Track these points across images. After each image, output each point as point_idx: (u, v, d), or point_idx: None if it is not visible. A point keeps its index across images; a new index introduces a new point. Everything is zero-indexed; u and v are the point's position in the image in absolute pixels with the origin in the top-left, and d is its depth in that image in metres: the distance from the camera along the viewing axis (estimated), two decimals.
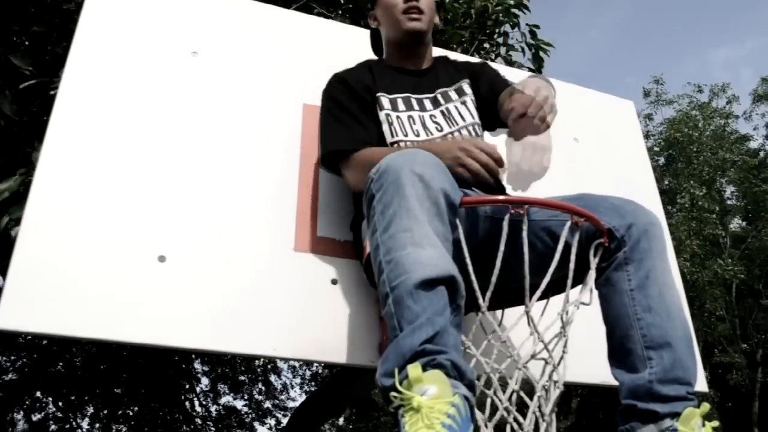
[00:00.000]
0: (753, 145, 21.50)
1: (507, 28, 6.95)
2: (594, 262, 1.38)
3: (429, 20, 1.86)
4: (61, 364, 9.07)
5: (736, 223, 20.35)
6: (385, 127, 1.75)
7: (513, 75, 2.45)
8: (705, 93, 21.85)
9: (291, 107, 2.00)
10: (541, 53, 6.51)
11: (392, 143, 1.72)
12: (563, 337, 1.34)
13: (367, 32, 2.09)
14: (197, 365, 10.45)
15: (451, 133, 1.75)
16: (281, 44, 2.11)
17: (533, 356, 1.33)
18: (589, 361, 1.69)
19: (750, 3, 49.32)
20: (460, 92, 1.87)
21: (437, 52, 2.11)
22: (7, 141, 3.50)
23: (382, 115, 1.76)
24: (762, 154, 21.25)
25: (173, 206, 1.70)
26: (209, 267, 1.66)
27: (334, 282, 1.77)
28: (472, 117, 1.81)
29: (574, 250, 1.33)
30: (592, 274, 1.38)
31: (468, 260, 1.27)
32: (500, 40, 6.79)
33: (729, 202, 20.45)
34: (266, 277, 1.70)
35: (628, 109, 2.66)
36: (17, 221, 2.44)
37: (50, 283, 1.49)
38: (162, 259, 1.62)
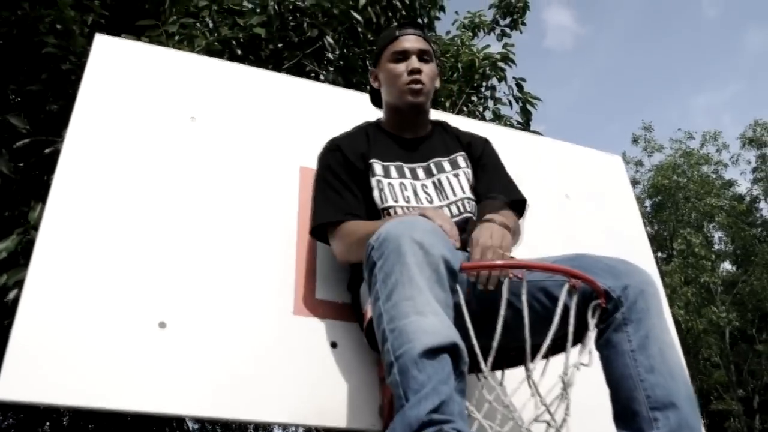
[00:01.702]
0: (739, 189, 21.80)
1: (494, 81, 7.14)
2: (592, 323, 1.40)
3: (429, 91, 1.90)
4: (48, 423, 8.87)
5: (724, 268, 20.46)
6: (376, 194, 1.78)
7: (503, 135, 2.51)
8: (697, 140, 22.22)
9: (288, 170, 2.04)
10: (529, 106, 6.69)
11: (383, 209, 1.75)
12: (565, 400, 1.34)
13: (360, 95, 2.15)
14: (189, 422, 10.24)
15: (441, 207, 1.78)
16: (277, 108, 2.17)
17: (536, 419, 1.33)
18: (591, 424, 1.69)
19: (729, 50, 50.77)
20: (455, 164, 1.89)
21: (436, 115, 2.15)
22: (4, 200, 3.52)
23: (373, 181, 1.79)
24: (749, 198, 21.51)
25: (173, 272, 1.72)
26: (209, 333, 1.66)
27: (333, 345, 1.77)
28: (463, 192, 1.83)
29: (572, 313, 1.35)
30: (591, 335, 1.40)
31: (469, 324, 1.28)
32: (488, 93, 6.97)
33: (716, 247, 20.60)
34: (266, 342, 1.71)
35: (616, 164, 2.72)
36: (15, 284, 2.44)
37: (51, 352, 1.49)
38: (162, 325, 1.62)
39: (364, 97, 2.38)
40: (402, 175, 1.83)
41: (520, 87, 7.02)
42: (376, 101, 2.05)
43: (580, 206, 2.46)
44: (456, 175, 1.86)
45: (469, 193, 1.83)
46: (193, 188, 1.88)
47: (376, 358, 1.78)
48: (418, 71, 1.85)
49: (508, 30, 7.89)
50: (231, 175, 1.95)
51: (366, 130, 1.94)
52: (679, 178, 20.19)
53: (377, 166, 1.82)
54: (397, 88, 1.89)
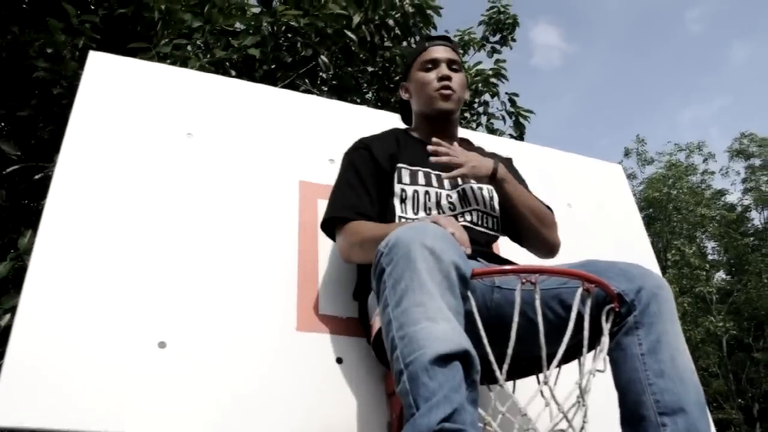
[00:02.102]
0: (730, 199, 21.95)
1: (487, 97, 7.17)
2: (607, 327, 1.37)
3: (459, 99, 1.91)
4: None
5: (719, 278, 20.51)
6: (397, 202, 1.77)
7: (504, 145, 2.50)
8: (684, 152, 22.43)
9: (288, 185, 2.01)
10: (522, 120, 6.71)
11: (401, 217, 1.74)
12: (582, 407, 1.30)
13: (358, 108, 2.13)
14: None
15: (462, 213, 1.77)
16: (275, 123, 2.14)
17: (554, 428, 1.29)
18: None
19: (714, 64, 51.44)
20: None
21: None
22: None
23: (397, 188, 1.78)
24: (740, 208, 21.64)
25: (172, 290, 1.67)
26: (210, 351, 1.62)
27: (339, 361, 1.73)
28: (485, 205, 1.82)
29: (587, 318, 1.32)
30: (605, 341, 1.36)
31: (482, 332, 1.25)
32: (481, 109, 6.99)
33: (711, 257, 20.66)
34: (270, 360, 1.66)
35: (617, 172, 2.71)
36: (8, 310, 2.39)
37: (46, 376, 1.44)
38: (162, 345, 1.57)
39: (363, 111, 2.37)
40: (429, 182, 1.81)
41: (512, 102, 7.05)
42: (405, 115, 2.06)
43: (582, 215, 2.44)
44: (480, 189, 1.85)
45: (489, 208, 1.83)
46: (191, 205, 1.84)
47: (383, 373, 1.74)
48: (449, 77, 1.88)
49: (498, 47, 7.97)
50: (230, 191, 1.92)
51: (396, 134, 1.94)
52: (670, 190, 20.31)
53: (405, 172, 1.80)
54: (426, 95, 1.90)
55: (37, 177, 3.55)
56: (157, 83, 2.05)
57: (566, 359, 1.54)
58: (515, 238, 1.91)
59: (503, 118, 6.74)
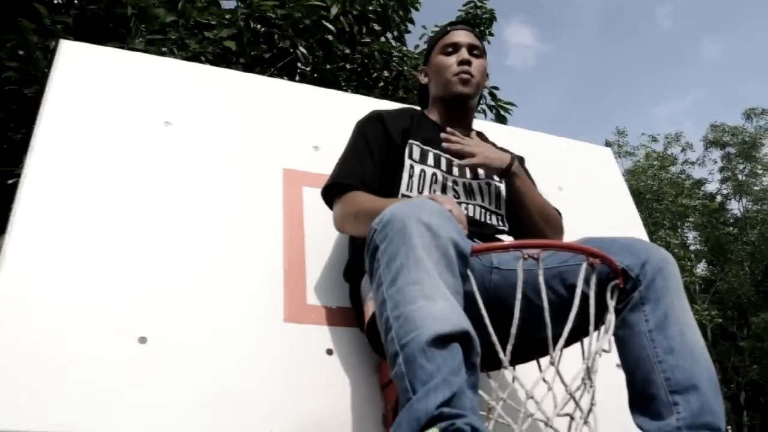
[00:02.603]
0: (709, 188, 22.17)
1: None
2: (612, 305, 1.30)
3: (478, 84, 1.86)
4: None
5: (701, 268, 20.68)
6: (405, 177, 1.70)
7: (491, 129, 2.44)
8: (660, 143, 22.63)
9: (271, 173, 1.93)
10: (503, 113, 6.67)
11: (404, 195, 1.68)
12: (590, 388, 1.24)
13: (342, 94, 2.06)
14: None
15: (465, 204, 1.71)
16: (256, 110, 2.06)
17: (561, 409, 1.22)
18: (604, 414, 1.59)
19: (686, 59, 52.03)
20: (489, 174, 1.81)
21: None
22: None
23: (407, 162, 1.72)
24: (720, 197, 21.86)
25: (152, 283, 1.59)
26: (193, 346, 1.53)
27: (329, 352, 1.65)
28: (491, 202, 1.77)
29: (592, 294, 1.25)
30: (611, 319, 1.30)
31: (484, 312, 1.17)
32: None
33: (693, 247, 20.83)
34: (256, 353, 1.58)
35: (606, 155, 2.66)
36: None
37: (23, 376, 1.35)
38: (143, 340, 1.49)
39: (347, 97, 2.30)
40: (438, 164, 1.75)
41: (493, 95, 7.03)
42: (423, 101, 2.01)
43: (573, 199, 2.37)
44: (488, 184, 1.79)
45: (495, 204, 1.77)
46: (170, 195, 1.76)
47: (377, 363, 1.66)
48: (468, 62, 1.83)
49: None
50: (211, 181, 1.84)
51: (411, 112, 1.89)
52: (650, 182, 20.46)
53: (416, 149, 1.75)
54: (445, 79, 1.86)
55: (10, 182, 3.44)
56: (132, 71, 1.96)
57: (570, 341, 1.48)
58: (519, 237, 1.84)
59: (484, 112, 6.71)
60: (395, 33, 5.95)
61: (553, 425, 1.20)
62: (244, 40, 3.17)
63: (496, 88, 7.06)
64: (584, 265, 1.25)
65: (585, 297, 1.27)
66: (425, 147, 1.76)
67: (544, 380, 1.25)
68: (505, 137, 2.46)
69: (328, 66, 3.86)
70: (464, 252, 1.19)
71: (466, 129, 1.90)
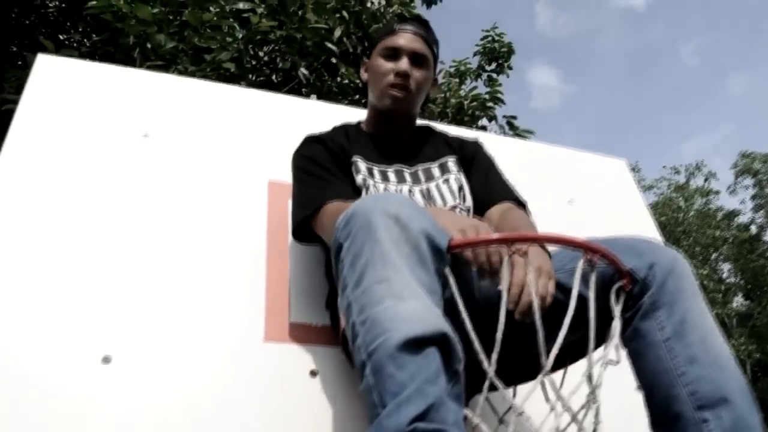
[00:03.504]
0: (742, 219, 21.66)
1: (484, 121, 7.03)
2: (617, 309, 1.14)
3: (414, 99, 1.66)
4: None
5: (737, 301, 20.03)
6: (363, 194, 1.54)
7: (502, 143, 2.32)
8: (682, 174, 22.29)
9: (255, 186, 1.81)
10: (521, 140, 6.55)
11: None
12: (594, 404, 1.07)
13: (329, 105, 1.95)
14: None
15: None
16: (240, 123, 1.96)
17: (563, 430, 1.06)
18: None
19: (713, 95, 51.63)
20: (445, 169, 1.66)
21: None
22: None
23: (358, 179, 1.56)
24: (754, 228, 21.30)
25: (120, 298, 1.47)
26: (163, 366, 1.40)
27: (313, 373, 1.50)
28: (454, 198, 1.59)
29: (592, 295, 1.09)
30: (617, 325, 1.13)
31: (465, 315, 1.01)
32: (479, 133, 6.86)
33: (728, 279, 20.22)
34: (233, 374, 1.44)
35: (620, 167, 2.51)
36: None
37: None
38: (107, 360, 1.36)
39: (334, 108, 2.20)
40: (385, 179, 1.60)
41: (511, 125, 6.91)
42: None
43: (585, 211, 2.23)
44: (446, 181, 1.62)
45: (458, 200, 1.60)
46: (148, 208, 1.65)
47: None
48: (405, 75, 1.62)
49: (494, 75, 7.89)
50: (191, 193, 1.73)
51: (345, 128, 1.72)
52: (675, 214, 20.05)
53: (361, 164, 1.59)
54: (379, 88, 1.66)
55: None
56: (108, 84, 1.88)
57: (572, 358, 1.32)
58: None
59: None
60: None
61: None
62: (244, 62, 3.10)
63: (514, 117, 6.97)
64: (581, 262, 1.10)
65: (584, 300, 1.11)
66: (368, 163, 1.61)
67: (542, 387, 1.09)
68: (515, 151, 2.34)
69: (333, 85, 3.76)
70: (439, 246, 1.04)
71: (408, 133, 1.74)
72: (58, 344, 1.35)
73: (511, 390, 1.43)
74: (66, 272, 1.47)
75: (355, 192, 1.54)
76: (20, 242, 1.48)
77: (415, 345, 0.89)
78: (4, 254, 1.45)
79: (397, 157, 1.67)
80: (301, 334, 1.56)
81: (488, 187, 1.64)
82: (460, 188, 1.62)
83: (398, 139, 1.71)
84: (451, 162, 1.68)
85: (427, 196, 1.59)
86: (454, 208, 1.57)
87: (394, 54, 1.66)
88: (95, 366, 1.35)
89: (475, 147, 1.78)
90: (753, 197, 21.56)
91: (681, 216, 19.79)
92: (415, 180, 1.62)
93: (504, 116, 6.96)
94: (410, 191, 1.58)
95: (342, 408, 1.47)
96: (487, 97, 6.90)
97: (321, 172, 1.54)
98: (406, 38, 1.67)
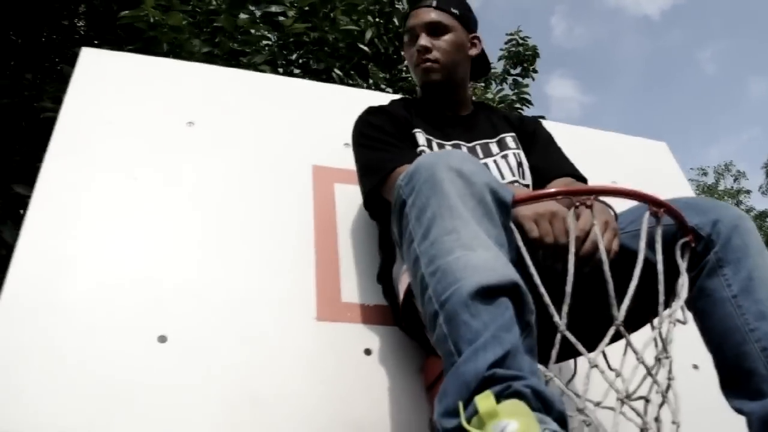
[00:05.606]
0: None
1: None
2: (683, 266, 1.11)
3: (446, 65, 1.66)
4: None
5: None
6: None
7: (547, 126, 2.30)
8: (710, 175, 22.00)
9: (300, 170, 1.82)
10: None
11: None
12: (667, 359, 1.04)
13: (369, 93, 1.96)
14: None
15: None
16: (282, 110, 1.97)
17: (633, 392, 1.03)
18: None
19: (735, 101, 50.94)
20: (503, 145, 1.66)
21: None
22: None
23: (418, 151, 1.57)
24: None
25: (174, 280, 1.47)
26: (218, 346, 1.40)
27: (367, 352, 1.49)
28: (513, 174, 1.59)
29: (659, 247, 1.06)
30: (684, 283, 1.10)
31: (533, 270, 0.99)
32: None
33: None
34: (287, 354, 1.44)
35: (662, 150, 2.47)
36: None
37: (36, 377, 1.23)
38: (163, 339, 1.37)
39: (375, 95, 2.20)
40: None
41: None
42: None
43: None
44: (504, 157, 1.63)
45: (518, 176, 1.60)
46: (197, 194, 1.66)
47: (420, 364, 1.50)
48: (424, 49, 1.65)
49: (520, 79, 7.87)
50: (238, 179, 1.73)
51: (405, 101, 1.76)
52: None
53: (420, 137, 1.60)
54: (413, 72, 1.73)
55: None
56: (152, 76, 1.91)
57: (633, 326, 1.29)
58: None
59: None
60: None
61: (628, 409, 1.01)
62: (278, 65, 3.13)
63: (542, 117, 6.93)
64: (646, 215, 1.07)
65: (649, 262, 1.08)
66: (428, 136, 1.62)
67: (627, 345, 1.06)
68: (557, 135, 2.32)
69: (365, 85, 3.78)
70: (503, 200, 1.03)
71: (463, 108, 1.74)
72: (117, 324, 1.36)
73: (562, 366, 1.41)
74: (123, 257, 1.48)
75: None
76: (77, 228, 1.50)
77: (487, 294, 0.88)
78: (64, 239, 1.46)
79: (455, 133, 1.68)
80: (353, 313, 1.55)
81: (549, 161, 1.65)
82: (519, 164, 1.62)
83: (456, 116, 1.72)
84: (509, 138, 1.69)
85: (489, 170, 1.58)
86: (512, 183, 1.56)
87: (411, 35, 1.70)
88: (152, 345, 1.36)
89: (535, 124, 1.81)
90: None
91: None
92: (473, 155, 1.62)
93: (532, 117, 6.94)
94: None
95: (397, 385, 1.46)
96: (514, 98, 6.88)
97: (390, 139, 1.55)
98: (417, 16, 1.71)
